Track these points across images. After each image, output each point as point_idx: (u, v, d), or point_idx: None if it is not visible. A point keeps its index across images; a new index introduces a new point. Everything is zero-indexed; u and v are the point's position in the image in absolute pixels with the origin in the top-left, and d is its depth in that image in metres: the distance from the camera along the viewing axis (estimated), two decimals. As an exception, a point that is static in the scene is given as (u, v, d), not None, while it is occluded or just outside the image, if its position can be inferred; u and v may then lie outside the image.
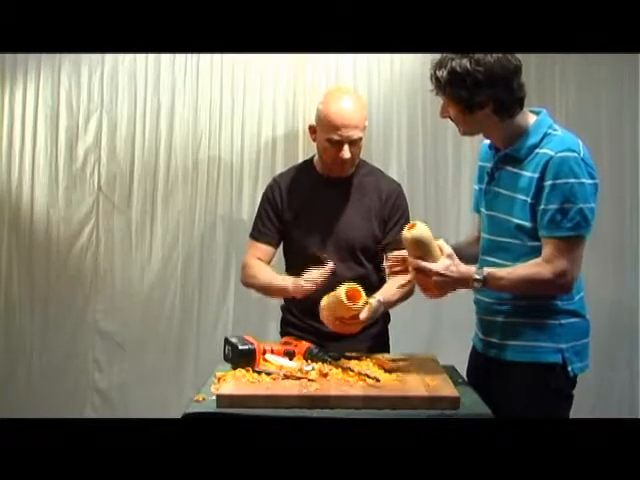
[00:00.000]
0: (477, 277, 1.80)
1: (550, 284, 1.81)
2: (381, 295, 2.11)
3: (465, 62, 1.81)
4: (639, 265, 3.40)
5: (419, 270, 1.80)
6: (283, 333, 2.34)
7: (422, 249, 1.79)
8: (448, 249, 1.81)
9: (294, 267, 2.28)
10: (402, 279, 1.99)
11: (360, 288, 1.97)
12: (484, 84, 1.81)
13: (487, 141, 2.03)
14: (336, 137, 2.15)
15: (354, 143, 2.16)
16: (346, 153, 2.16)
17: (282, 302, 2.40)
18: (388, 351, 2.32)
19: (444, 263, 1.78)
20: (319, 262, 2.11)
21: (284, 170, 2.44)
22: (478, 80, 1.80)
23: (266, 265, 2.30)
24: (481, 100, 1.83)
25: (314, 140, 2.26)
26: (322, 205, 2.26)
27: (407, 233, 1.80)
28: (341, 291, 1.95)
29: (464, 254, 1.97)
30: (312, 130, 2.25)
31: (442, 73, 1.85)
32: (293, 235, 2.28)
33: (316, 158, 2.30)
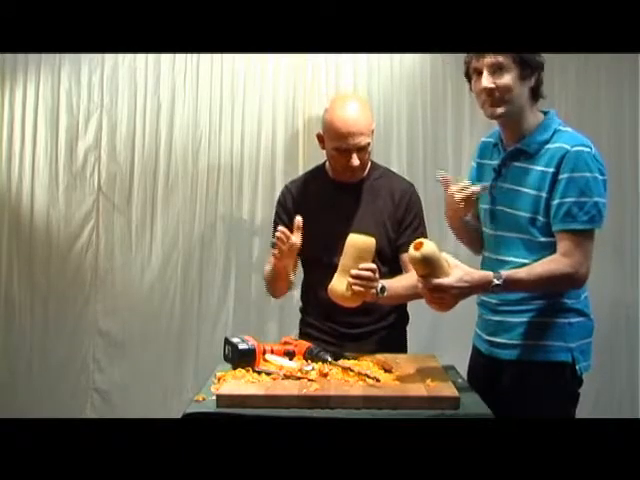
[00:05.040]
0: (497, 282, 1.78)
1: (569, 278, 1.82)
2: (386, 282, 2.09)
3: None
4: (639, 265, 3.41)
5: (434, 288, 1.77)
6: (302, 334, 2.33)
7: (431, 266, 1.76)
8: (453, 260, 1.79)
9: (310, 273, 2.29)
10: (409, 279, 2.02)
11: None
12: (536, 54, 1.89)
13: (488, 139, 2.03)
14: (343, 145, 2.13)
15: (362, 149, 2.14)
16: (355, 161, 2.14)
17: (300, 304, 2.40)
18: (405, 353, 2.30)
19: (456, 275, 1.76)
20: (335, 268, 2.08)
21: (296, 177, 2.43)
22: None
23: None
24: (536, 63, 1.88)
25: (323, 148, 2.24)
26: (335, 210, 2.24)
27: (416, 253, 1.75)
28: (350, 235, 2.00)
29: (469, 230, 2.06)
30: (320, 139, 2.23)
31: None
32: (307, 241, 2.26)
33: (327, 163, 2.29)
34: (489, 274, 1.80)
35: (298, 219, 2.08)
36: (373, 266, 1.99)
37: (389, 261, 2.22)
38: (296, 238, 2.08)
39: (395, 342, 2.27)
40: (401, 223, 2.23)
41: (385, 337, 2.24)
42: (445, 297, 1.78)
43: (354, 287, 1.98)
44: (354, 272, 1.97)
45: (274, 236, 2.28)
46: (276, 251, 2.08)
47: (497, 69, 1.85)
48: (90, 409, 3.40)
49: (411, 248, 1.78)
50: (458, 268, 1.77)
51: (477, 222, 2.08)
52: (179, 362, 3.40)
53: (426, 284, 1.77)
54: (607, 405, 3.38)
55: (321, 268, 2.13)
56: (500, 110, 1.87)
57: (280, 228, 2.09)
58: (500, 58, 1.84)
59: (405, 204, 2.24)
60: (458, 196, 1.97)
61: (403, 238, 2.22)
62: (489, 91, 1.86)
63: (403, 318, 2.35)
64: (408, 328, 2.37)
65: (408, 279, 2.12)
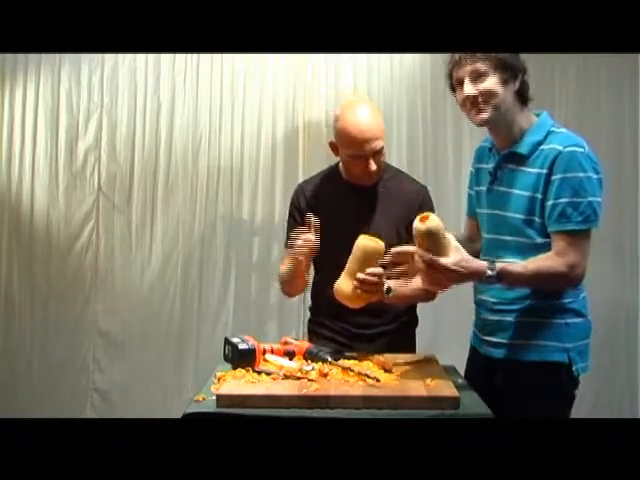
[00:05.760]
0: (490, 274, 1.78)
1: (563, 277, 1.82)
2: (392, 283, 2.07)
3: None
4: (639, 265, 3.41)
5: (429, 264, 1.76)
6: (311, 333, 2.33)
7: (434, 241, 1.75)
8: (456, 243, 1.78)
9: (322, 273, 2.29)
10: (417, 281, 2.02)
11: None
12: (516, 54, 1.88)
13: (484, 144, 2.04)
14: (360, 152, 2.12)
15: (378, 153, 2.14)
16: (372, 166, 2.13)
17: (310, 303, 2.39)
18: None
19: (454, 258, 1.75)
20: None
21: (309, 177, 2.42)
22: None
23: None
24: (517, 66, 1.87)
25: (336, 156, 2.23)
26: (348, 211, 2.23)
27: (420, 225, 1.75)
28: (360, 237, 1.99)
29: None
30: (333, 147, 2.21)
31: None
32: (319, 241, 2.26)
33: (341, 165, 2.28)
34: (484, 264, 1.80)
35: (314, 220, 2.07)
36: (379, 271, 1.98)
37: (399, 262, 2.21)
38: (312, 237, 2.08)
39: (405, 344, 2.27)
40: (412, 224, 2.22)
41: (395, 339, 2.24)
42: (437, 276, 1.78)
43: (358, 291, 1.98)
44: (360, 276, 1.96)
45: (288, 236, 2.28)
46: (297, 253, 2.07)
47: (478, 76, 1.85)
48: (90, 409, 3.40)
49: (417, 220, 1.77)
50: (458, 251, 1.76)
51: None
52: (179, 362, 3.40)
53: (423, 257, 1.76)
54: (607, 405, 3.38)
55: (333, 268, 2.12)
56: (485, 115, 1.88)
57: (303, 237, 2.07)
58: (479, 64, 1.85)
59: (417, 206, 2.23)
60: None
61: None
62: (472, 98, 1.87)
63: (413, 320, 2.35)
64: (411, 329, 2.37)
65: (416, 281, 2.12)
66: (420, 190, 2.28)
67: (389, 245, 2.13)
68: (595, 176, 1.82)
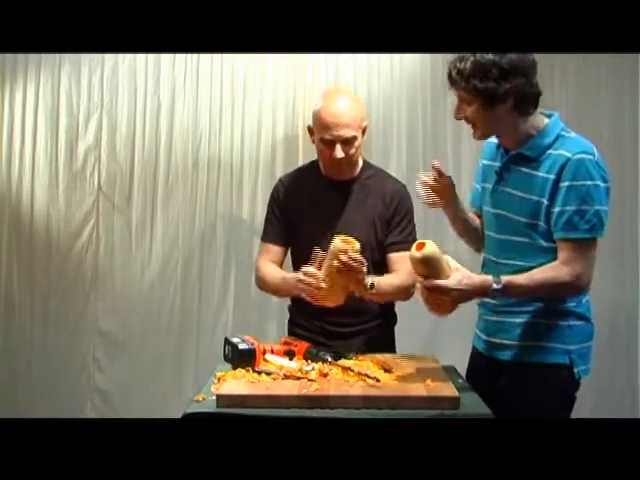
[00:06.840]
0: (496, 287, 1.79)
1: (568, 286, 1.82)
2: (375, 279, 2.08)
3: (489, 54, 1.80)
4: (639, 266, 3.41)
5: (432, 289, 1.77)
6: (290, 333, 2.34)
7: (432, 267, 1.75)
8: (454, 263, 1.79)
9: (298, 269, 2.29)
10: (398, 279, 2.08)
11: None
12: (508, 75, 1.81)
13: (494, 140, 2.02)
14: (327, 136, 2.13)
15: (347, 143, 2.14)
16: (338, 153, 2.13)
17: (289, 302, 2.40)
18: (394, 352, 2.31)
19: (456, 278, 1.76)
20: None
21: (290, 171, 2.43)
22: (503, 71, 1.80)
23: (274, 266, 2.26)
24: (504, 91, 1.81)
25: (313, 142, 2.25)
26: (325, 208, 2.24)
27: (417, 253, 1.75)
28: (336, 239, 1.98)
29: (469, 227, 2.08)
30: (310, 132, 2.24)
31: (464, 65, 1.81)
32: (296, 237, 2.27)
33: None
34: (489, 278, 1.80)
35: (320, 255, 2.04)
36: (360, 258, 1.99)
37: (377, 261, 2.22)
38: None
39: (383, 341, 2.28)
40: (390, 223, 2.23)
41: (373, 336, 2.25)
42: (444, 299, 1.78)
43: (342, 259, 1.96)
44: (343, 258, 1.96)
45: (264, 231, 2.29)
46: (303, 289, 2.05)
47: (463, 101, 1.87)
48: (90, 409, 3.39)
49: (413, 248, 1.77)
50: (459, 271, 1.77)
51: (471, 217, 2.10)
52: (179, 362, 3.40)
53: (425, 285, 1.77)
54: (607, 405, 3.38)
55: (309, 263, 2.12)
56: (478, 134, 1.93)
57: (310, 273, 2.03)
58: (463, 93, 1.85)
59: (395, 205, 2.24)
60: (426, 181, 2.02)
61: (390, 238, 2.22)
62: (464, 119, 1.90)
63: (391, 318, 2.35)
64: (408, 328, 2.37)
65: (396, 279, 2.14)
66: (400, 189, 2.28)
67: (365, 243, 2.14)
68: (603, 184, 1.81)
